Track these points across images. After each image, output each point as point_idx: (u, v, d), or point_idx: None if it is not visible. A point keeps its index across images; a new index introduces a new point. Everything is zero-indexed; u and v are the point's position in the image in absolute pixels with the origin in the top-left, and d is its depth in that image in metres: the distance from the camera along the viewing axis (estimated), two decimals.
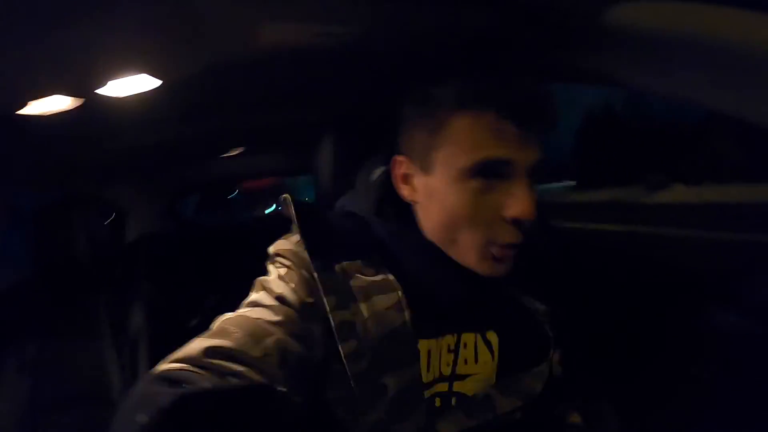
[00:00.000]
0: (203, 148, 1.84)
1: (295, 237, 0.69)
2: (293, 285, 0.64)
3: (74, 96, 0.85)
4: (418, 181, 0.68)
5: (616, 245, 1.36)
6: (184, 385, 0.48)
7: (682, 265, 1.02)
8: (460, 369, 0.69)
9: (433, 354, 0.67)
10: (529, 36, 0.77)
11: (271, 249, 0.70)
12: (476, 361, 0.69)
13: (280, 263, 0.68)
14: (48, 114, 0.88)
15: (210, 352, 0.56)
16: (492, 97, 0.60)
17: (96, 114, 0.96)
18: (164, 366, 0.54)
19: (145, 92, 0.88)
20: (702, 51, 0.57)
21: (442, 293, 0.67)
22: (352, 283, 0.63)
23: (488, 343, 0.70)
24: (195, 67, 0.81)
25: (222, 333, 0.59)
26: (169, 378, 0.51)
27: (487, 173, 0.61)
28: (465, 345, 0.69)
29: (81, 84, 0.80)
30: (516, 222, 0.62)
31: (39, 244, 1.37)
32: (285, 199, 0.69)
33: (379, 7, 0.69)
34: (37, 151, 1.18)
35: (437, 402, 0.67)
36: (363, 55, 0.84)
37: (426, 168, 0.66)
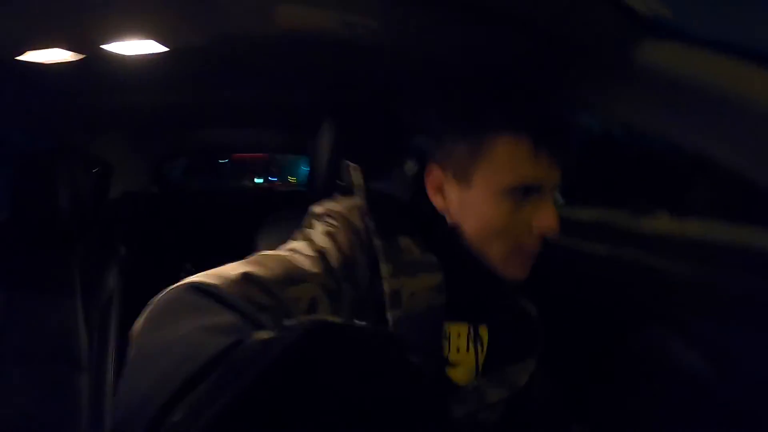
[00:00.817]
0: (199, 116, 1.81)
1: (349, 202, 0.73)
2: (338, 243, 0.66)
3: (78, 50, 0.82)
4: (452, 192, 0.72)
5: (597, 267, 1.37)
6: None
7: (653, 295, 1.04)
8: (453, 356, 0.73)
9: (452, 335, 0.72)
10: (550, 66, 0.78)
11: (318, 209, 0.72)
12: (467, 350, 0.74)
13: (329, 222, 0.70)
14: (49, 63, 0.85)
15: (246, 277, 0.56)
16: (532, 124, 0.67)
17: (97, 69, 0.94)
18: (199, 278, 0.53)
19: (149, 55, 0.86)
20: (717, 102, 0.57)
21: (462, 285, 0.71)
22: (404, 257, 0.67)
23: (479, 336, 0.75)
24: (204, 39, 0.79)
25: (260, 263, 0.59)
26: (202, 290, 0.49)
27: (523, 192, 0.67)
28: (459, 334, 0.73)
29: (86, 40, 0.78)
30: (542, 234, 0.68)
31: (20, 190, 1.33)
32: (348, 165, 0.74)
33: (403, 8, 0.69)
34: (32, 97, 1.15)
35: None
36: (378, 51, 0.84)
37: (463, 182, 0.71)
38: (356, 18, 0.72)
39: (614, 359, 0.99)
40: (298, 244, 0.67)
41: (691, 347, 0.88)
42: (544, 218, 0.67)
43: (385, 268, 0.65)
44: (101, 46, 0.79)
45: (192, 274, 0.55)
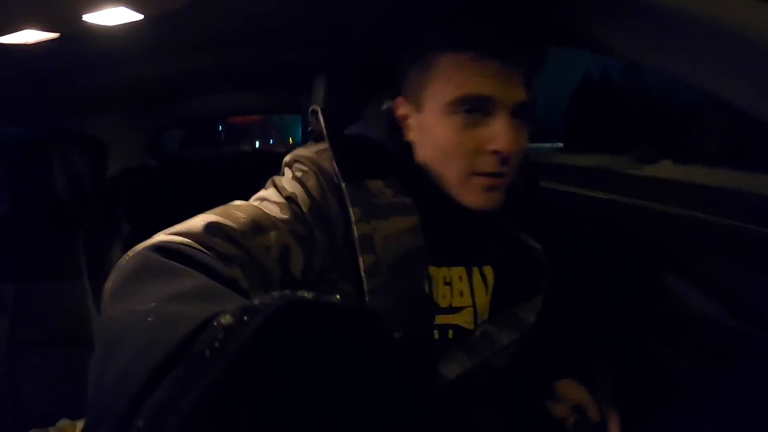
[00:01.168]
0: (189, 84, 1.77)
1: (318, 146, 0.71)
2: (307, 188, 0.65)
3: (52, 27, 0.79)
4: (413, 119, 0.72)
5: (597, 212, 1.38)
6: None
7: (657, 240, 1.04)
8: (456, 301, 0.71)
9: (435, 283, 0.70)
10: None
11: (288, 157, 0.71)
12: (472, 293, 0.73)
13: (298, 168, 0.69)
14: (25, 44, 0.82)
15: (212, 227, 0.55)
16: (471, 36, 0.65)
17: (76, 46, 0.90)
18: (163, 237, 0.52)
19: (130, 24, 0.82)
20: (715, 35, 0.55)
21: (447, 226, 0.70)
22: (374, 200, 0.66)
23: (484, 277, 0.74)
24: (178, 2, 0.76)
25: (227, 213, 0.59)
26: (167, 250, 0.48)
27: (470, 108, 0.65)
28: (461, 278, 0.72)
29: (58, 14, 0.74)
30: (497, 154, 0.65)
31: (17, 178, 1.32)
32: (314, 110, 0.73)
33: None
34: (15, 83, 1.12)
35: (436, 334, 0.69)
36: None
37: (418, 106, 0.70)
38: None
39: (622, 300, 1.00)
40: (267, 192, 0.66)
41: (699, 289, 0.89)
42: (496, 136, 0.65)
43: (353, 212, 0.64)
44: (77, 19, 0.76)
45: None
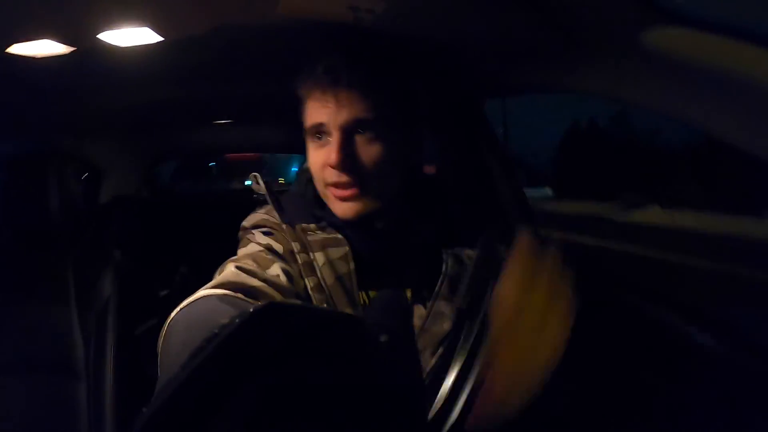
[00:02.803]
0: (188, 115, 1.79)
1: (266, 208, 0.86)
2: (274, 238, 0.80)
3: (67, 42, 0.81)
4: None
5: (586, 258, 1.39)
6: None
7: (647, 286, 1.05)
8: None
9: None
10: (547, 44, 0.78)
11: (247, 223, 0.85)
12: None
13: (262, 228, 0.82)
14: (37, 56, 0.84)
15: (239, 269, 0.68)
16: (315, 76, 0.77)
17: (89, 63, 0.92)
18: (209, 291, 0.62)
19: (142, 47, 0.85)
20: (725, 83, 0.58)
21: (367, 252, 0.81)
22: (310, 238, 0.80)
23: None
24: (203, 28, 0.79)
25: (241, 261, 0.72)
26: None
27: (315, 133, 0.78)
28: None
29: (79, 28, 0.76)
30: (334, 167, 0.76)
31: (9, 195, 1.31)
32: (255, 176, 0.88)
33: None
34: (21, 95, 1.13)
35: None
36: (379, 36, 0.84)
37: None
38: (362, 1, 0.72)
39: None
40: (246, 248, 0.78)
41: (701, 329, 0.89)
42: (326, 153, 0.76)
43: (294, 245, 0.78)
44: (96, 36, 0.78)
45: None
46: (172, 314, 0.57)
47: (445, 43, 0.93)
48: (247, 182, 4.56)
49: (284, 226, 0.80)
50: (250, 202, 0.91)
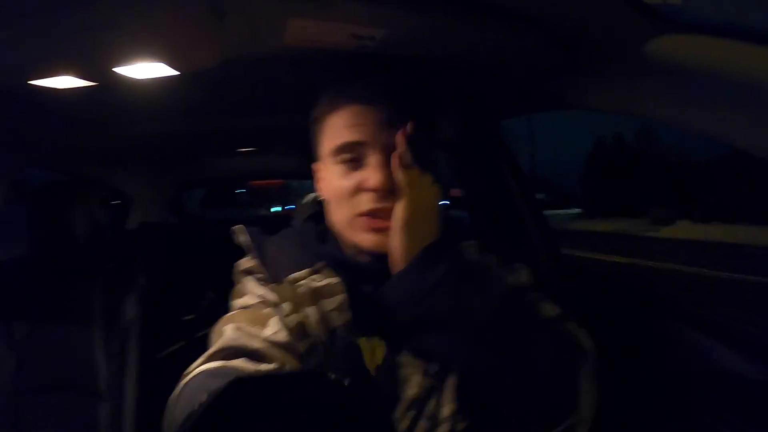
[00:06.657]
0: (212, 144, 1.84)
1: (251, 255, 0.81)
2: (269, 288, 0.75)
3: (89, 77, 0.84)
4: (320, 174, 0.80)
5: (617, 276, 1.35)
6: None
7: (680, 301, 1.01)
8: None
9: (364, 353, 0.70)
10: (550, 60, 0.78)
11: (241, 267, 0.81)
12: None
13: (254, 276, 0.78)
14: (62, 89, 0.87)
15: (238, 332, 0.67)
16: (346, 94, 0.73)
17: (111, 96, 0.96)
18: (206, 366, 0.63)
19: (160, 79, 0.88)
20: (739, 89, 0.56)
21: (364, 298, 0.71)
22: (301, 290, 0.70)
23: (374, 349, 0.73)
24: (214, 61, 0.81)
25: (241, 319, 0.70)
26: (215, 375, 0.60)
27: (347, 153, 0.72)
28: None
29: (97, 64, 0.80)
30: (374, 191, 0.70)
31: (39, 222, 1.35)
32: (237, 229, 0.82)
33: (410, 15, 0.70)
34: (47, 127, 1.18)
35: None
36: (382, 62, 0.85)
37: (318, 162, 0.80)
38: (363, 29, 0.73)
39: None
40: (243, 300, 0.75)
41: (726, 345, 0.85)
42: (368, 176, 0.70)
43: (284, 308, 0.69)
44: (113, 69, 0.81)
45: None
46: (176, 390, 0.62)
47: (449, 66, 0.93)
48: (274, 208, 4.62)
49: (269, 285, 0.75)
50: (276, 227, 0.87)
